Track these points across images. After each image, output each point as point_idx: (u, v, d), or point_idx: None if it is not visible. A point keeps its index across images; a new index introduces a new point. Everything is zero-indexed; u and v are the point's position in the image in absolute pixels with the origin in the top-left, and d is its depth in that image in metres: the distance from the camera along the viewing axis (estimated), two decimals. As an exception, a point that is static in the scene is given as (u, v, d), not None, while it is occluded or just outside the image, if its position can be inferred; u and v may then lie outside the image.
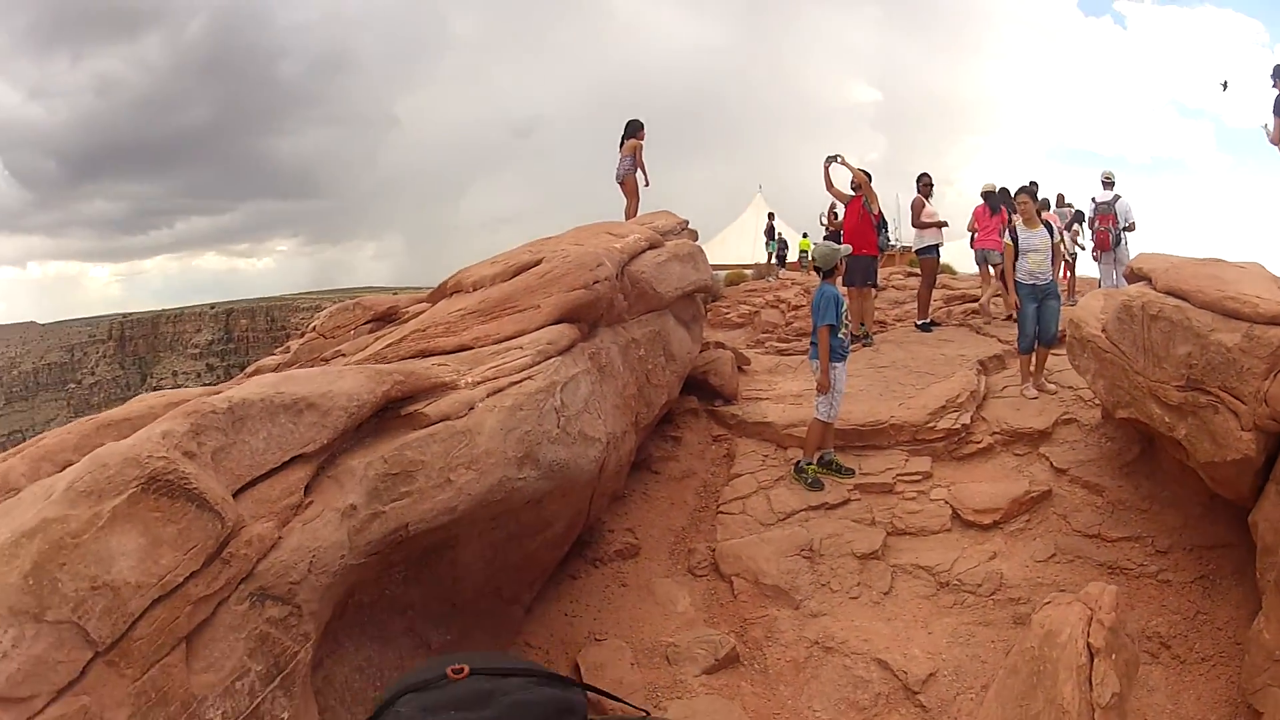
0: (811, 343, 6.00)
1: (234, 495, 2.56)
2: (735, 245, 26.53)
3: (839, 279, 6.10)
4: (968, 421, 6.48)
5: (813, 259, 6.61)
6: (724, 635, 4.80)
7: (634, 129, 9.11)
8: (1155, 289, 4.84)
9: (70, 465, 2.58)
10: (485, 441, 3.43)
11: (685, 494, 6.27)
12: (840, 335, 5.83)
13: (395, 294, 9.07)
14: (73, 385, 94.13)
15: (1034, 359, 7.06)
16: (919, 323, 10.16)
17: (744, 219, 28.82)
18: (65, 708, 2.00)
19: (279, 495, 2.70)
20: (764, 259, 23.19)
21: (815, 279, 10.01)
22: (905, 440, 6.38)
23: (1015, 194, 7.82)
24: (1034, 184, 8.69)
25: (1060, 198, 13.05)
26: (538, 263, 5.34)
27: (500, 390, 3.85)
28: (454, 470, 3.24)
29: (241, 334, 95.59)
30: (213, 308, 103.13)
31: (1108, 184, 11.07)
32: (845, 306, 5.95)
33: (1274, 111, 6.91)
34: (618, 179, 9.19)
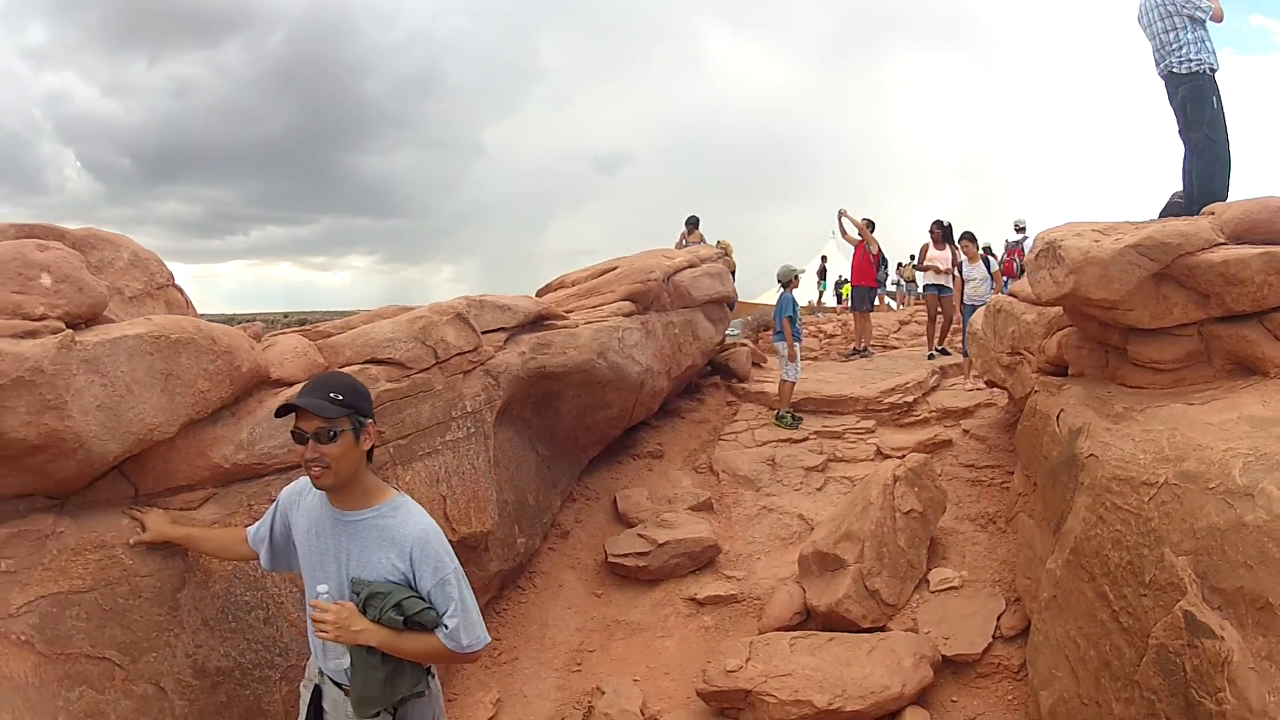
0: (775, 331, 9.22)
1: (481, 333, 5.94)
2: (808, 288, 29.96)
3: (795, 290, 9.23)
4: (910, 401, 9.24)
5: (779, 278, 9.30)
6: (705, 493, 7.96)
7: (694, 223, 12.87)
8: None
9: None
10: (582, 339, 6.78)
11: (701, 431, 9.43)
12: (796, 325, 9.00)
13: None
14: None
15: (973, 361, 9.49)
16: (929, 353, 12.05)
17: (816, 264, 32.56)
18: (416, 378, 5.28)
19: (495, 340, 6.03)
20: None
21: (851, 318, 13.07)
22: (860, 409, 9.24)
23: (960, 238, 10.82)
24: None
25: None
26: (615, 268, 8.75)
27: (591, 323, 7.23)
28: (567, 348, 6.58)
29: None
30: (286, 316, 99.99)
31: (1020, 229, 13.55)
32: (799, 307, 8.99)
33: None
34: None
